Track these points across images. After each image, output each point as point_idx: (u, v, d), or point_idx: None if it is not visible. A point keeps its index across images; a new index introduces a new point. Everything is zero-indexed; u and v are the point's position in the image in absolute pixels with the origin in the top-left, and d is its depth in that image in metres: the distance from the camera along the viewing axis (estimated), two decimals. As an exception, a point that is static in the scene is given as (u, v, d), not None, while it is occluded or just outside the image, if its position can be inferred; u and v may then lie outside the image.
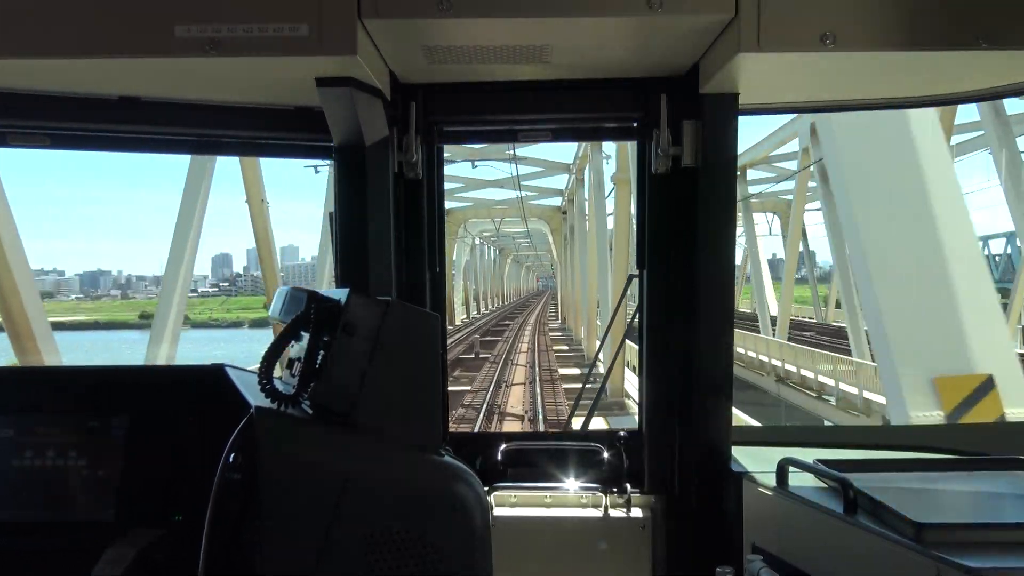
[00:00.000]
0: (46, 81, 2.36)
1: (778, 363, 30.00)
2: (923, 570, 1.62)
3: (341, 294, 1.71)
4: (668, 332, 2.67)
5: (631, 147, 25.37)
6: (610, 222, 31.24)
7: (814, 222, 44.75)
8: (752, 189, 43.83)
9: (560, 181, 58.15)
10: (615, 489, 2.71)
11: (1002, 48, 1.97)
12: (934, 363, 9.62)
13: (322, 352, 1.67)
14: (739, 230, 32.95)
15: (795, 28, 1.99)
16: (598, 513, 2.71)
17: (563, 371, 33.85)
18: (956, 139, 27.58)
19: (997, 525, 1.77)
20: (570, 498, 2.74)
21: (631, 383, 24.98)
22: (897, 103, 2.61)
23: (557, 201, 61.68)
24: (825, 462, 2.15)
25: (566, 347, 46.27)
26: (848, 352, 26.11)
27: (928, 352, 9.74)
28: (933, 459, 2.42)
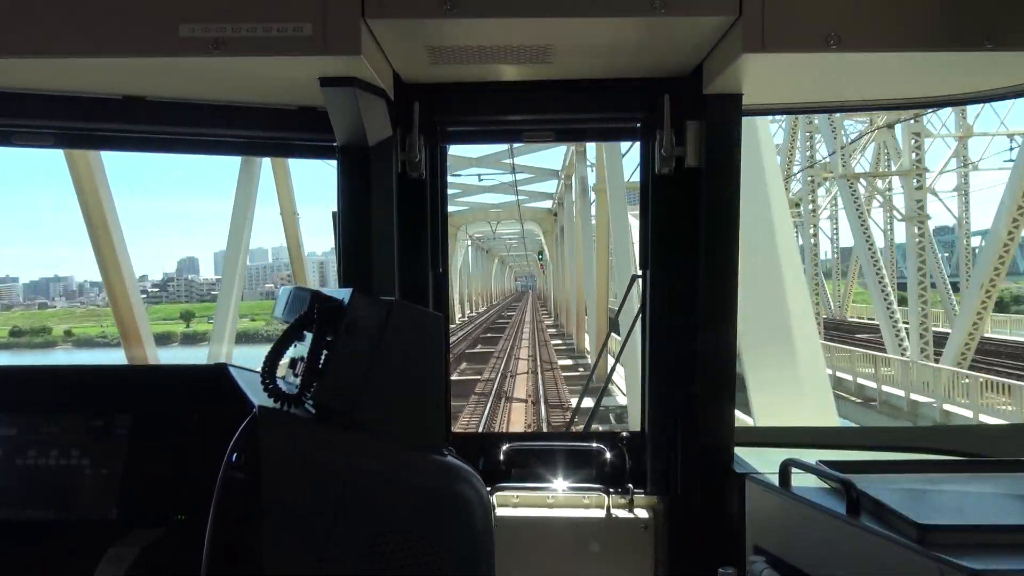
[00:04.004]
0: (51, 80, 2.36)
1: None
2: (926, 572, 1.62)
3: (344, 294, 1.71)
4: (671, 332, 2.67)
5: (606, 156, 25.36)
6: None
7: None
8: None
9: (549, 186, 53.46)
10: (618, 489, 2.71)
11: (1008, 49, 1.96)
12: None
13: (325, 352, 1.67)
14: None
15: (800, 29, 1.98)
16: (600, 513, 2.71)
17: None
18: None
19: (1000, 527, 1.77)
20: (572, 498, 2.74)
21: (618, 373, 25.46)
22: (902, 104, 2.61)
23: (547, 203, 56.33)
24: (828, 463, 2.14)
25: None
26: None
27: None
28: (937, 461, 2.41)
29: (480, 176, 49.99)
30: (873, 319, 35.64)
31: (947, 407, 22.61)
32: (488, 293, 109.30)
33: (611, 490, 2.71)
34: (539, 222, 63.31)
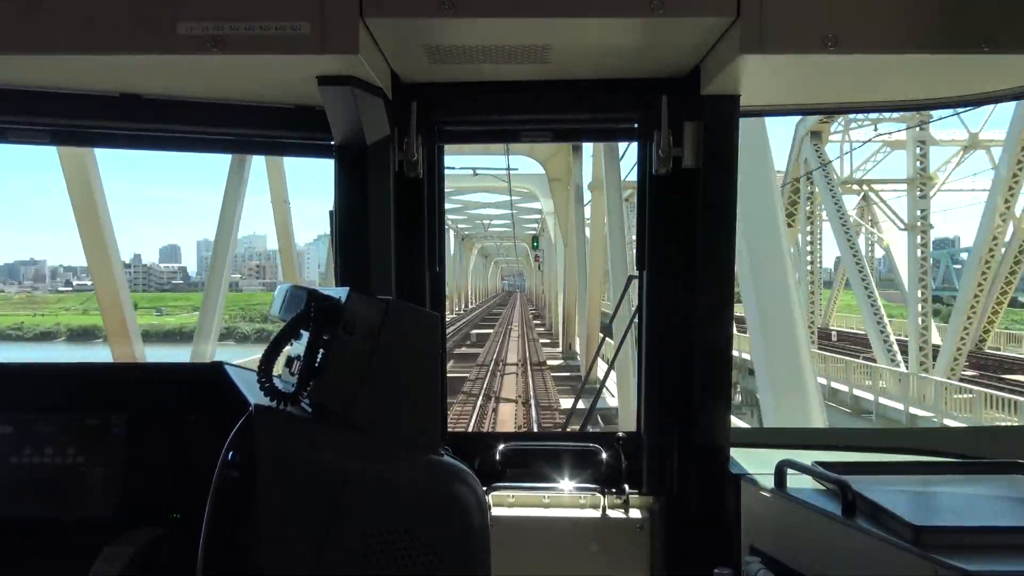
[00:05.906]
0: (48, 78, 2.36)
1: None
2: (921, 573, 1.62)
3: (341, 293, 1.71)
4: (667, 333, 2.67)
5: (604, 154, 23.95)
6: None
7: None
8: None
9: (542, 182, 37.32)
10: (613, 490, 2.71)
11: (1004, 52, 1.97)
12: None
13: (322, 351, 1.67)
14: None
15: (797, 30, 1.99)
16: (596, 514, 2.71)
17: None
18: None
19: (995, 529, 1.77)
20: (568, 498, 2.74)
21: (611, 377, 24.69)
22: (899, 106, 2.62)
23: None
24: (824, 464, 2.15)
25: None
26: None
27: None
28: (932, 462, 2.42)
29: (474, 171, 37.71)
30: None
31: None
32: (464, 293, 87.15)
33: (607, 490, 2.71)
34: (544, 161, 35.63)
